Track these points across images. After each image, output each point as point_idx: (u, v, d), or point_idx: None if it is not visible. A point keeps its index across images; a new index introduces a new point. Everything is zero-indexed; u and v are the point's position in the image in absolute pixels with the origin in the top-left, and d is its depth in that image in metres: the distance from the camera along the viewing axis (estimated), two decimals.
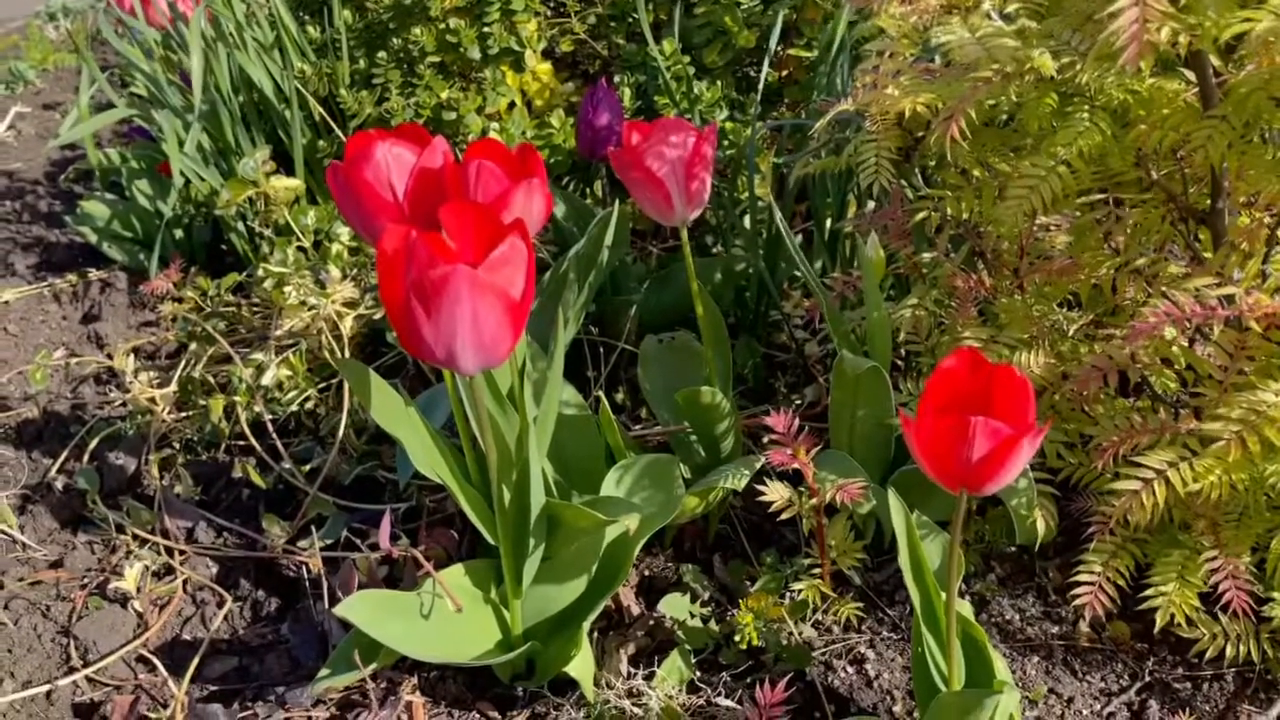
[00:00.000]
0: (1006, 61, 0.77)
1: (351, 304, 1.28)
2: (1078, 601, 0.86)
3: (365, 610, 0.84)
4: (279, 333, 1.28)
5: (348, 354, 1.24)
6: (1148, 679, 0.93)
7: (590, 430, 1.03)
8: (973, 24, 0.78)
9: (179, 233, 1.70)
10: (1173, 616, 0.86)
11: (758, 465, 1.00)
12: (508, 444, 0.92)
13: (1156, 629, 0.87)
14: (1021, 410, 0.64)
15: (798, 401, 1.26)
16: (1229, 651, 0.89)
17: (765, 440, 1.17)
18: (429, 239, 0.71)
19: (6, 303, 1.70)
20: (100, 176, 1.85)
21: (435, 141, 0.82)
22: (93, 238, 1.74)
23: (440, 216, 0.74)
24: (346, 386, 1.23)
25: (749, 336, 1.35)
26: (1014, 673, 0.95)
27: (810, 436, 0.95)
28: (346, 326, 1.25)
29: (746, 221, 1.37)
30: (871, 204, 1.29)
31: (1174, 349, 0.86)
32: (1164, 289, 0.82)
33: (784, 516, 0.95)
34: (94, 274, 1.74)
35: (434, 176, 0.82)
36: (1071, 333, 0.99)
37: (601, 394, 1.00)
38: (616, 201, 1.18)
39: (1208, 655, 0.90)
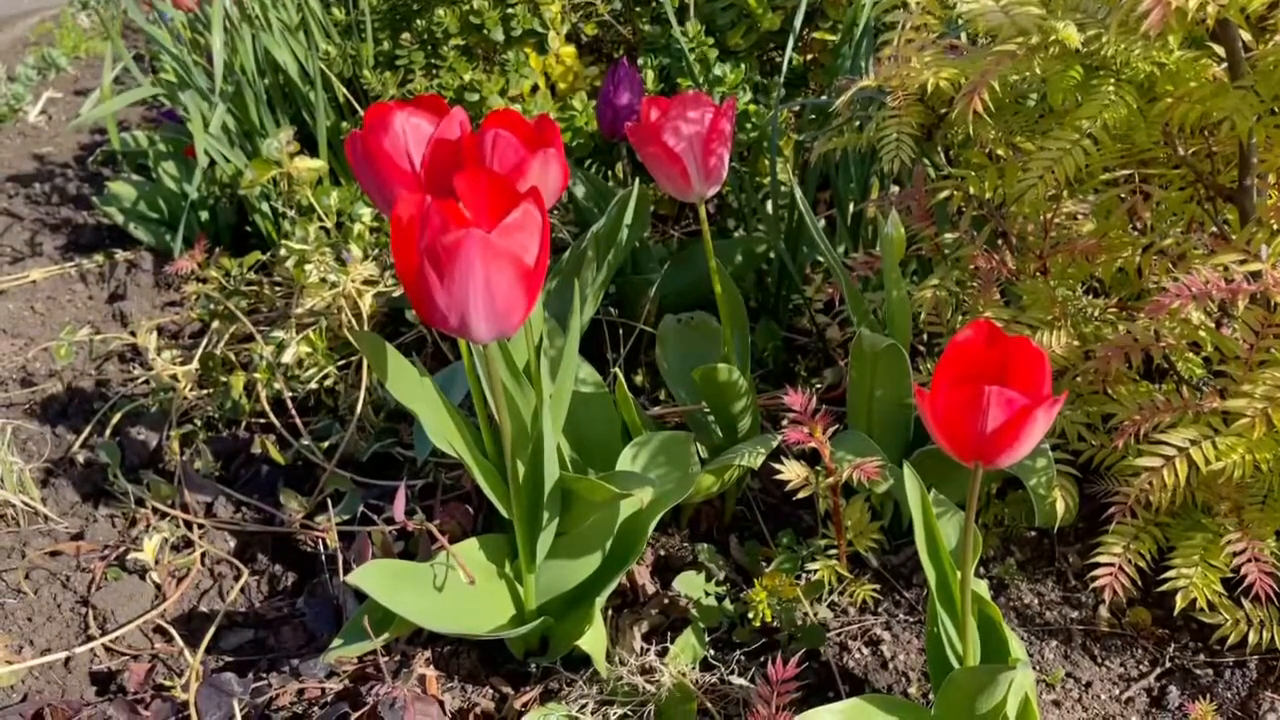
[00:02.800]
0: (1031, 30, 0.76)
1: (371, 282, 1.28)
2: (1097, 583, 0.85)
3: (378, 579, 0.84)
4: (300, 311, 1.29)
5: (367, 329, 1.25)
6: (1168, 665, 0.92)
7: (607, 408, 1.03)
8: None
9: (204, 214, 1.72)
10: (1194, 601, 0.85)
11: (774, 444, 1.00)
12: (523, 418, 0.92)
13: (1176, 611, 0.86)
14: (1037, 381, 0.63)
15: (817, 384, 1.25)
16: (1252, 638, 0.88)
17: (784, 421, 1.17)
18: (443, 205, 0.70)
19: (34, 282, 1.72)
20: (128, 159, 1.88)
21: (453, 112, 0.82)
22: (119, 219, 1.75)
23: (455, 184, 0.74)
24: (365, 364, 1.24)
25: (769, 320, 1.35)
26: (1032, 656, 0.93)
27: (827, 416, 0.94)
28: (366, 304, 1.26)
29: (769, 206, 1.37)
30: (895, 188, 1.28)
31: (1201, 332, 0.85)
32: (1191, 266, 0.81)
33: (800, 496, 0.95)
34: (120, 255, 1.76)
35: (451, 147, 0.82)
36: (1096, 316, 0.98)
37: (618, 371, 1.00)
38: (636, 181, 1.17)
39: (1230, 641, 0.89)
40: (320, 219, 1.38)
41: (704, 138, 0.93)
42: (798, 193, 1.09)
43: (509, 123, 0.83)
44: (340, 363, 1.29)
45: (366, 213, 1.41)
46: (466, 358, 0.94)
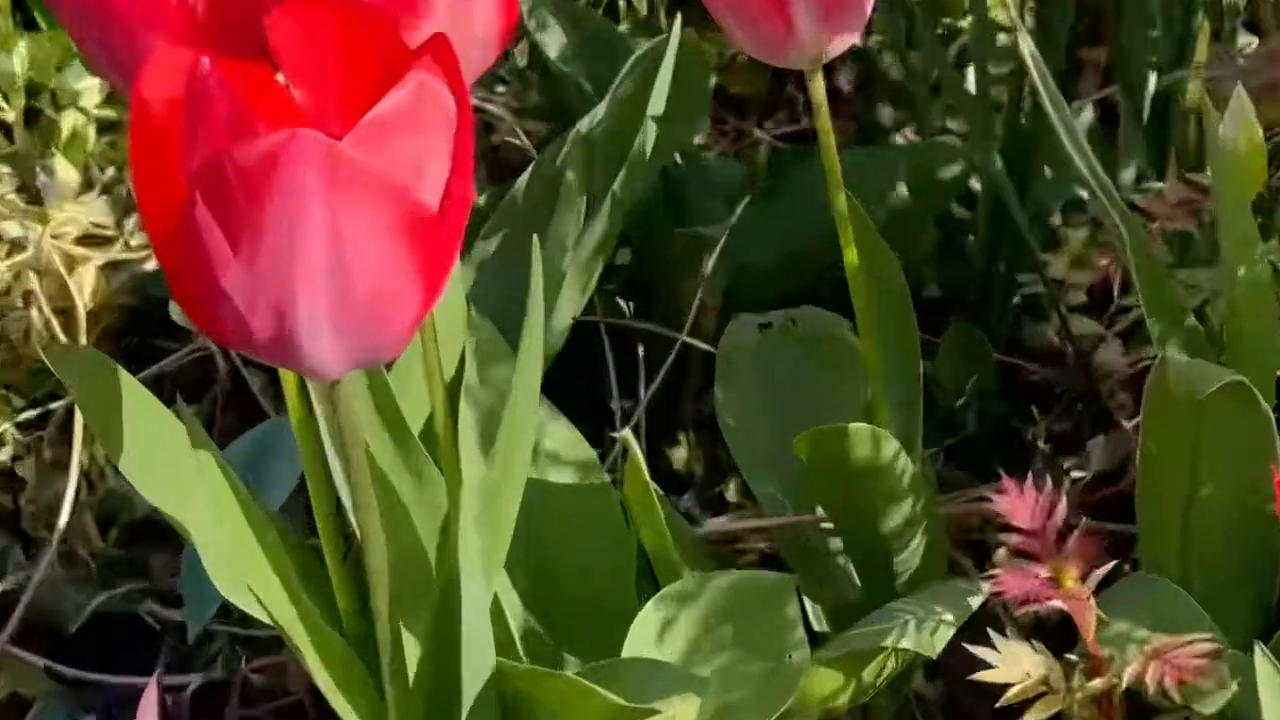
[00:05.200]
0: None
1: (99, 239, 1.30)
2: None
3: None
4: None
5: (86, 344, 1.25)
6: None
7: (605, 515, 1.04)
8: None
9: None
10: None
11: (975, 603, 0.99)
12: (418, 538, 0.92)
13: None
14: None
15: (1071, 469, 1.27)
16: None
17: (994, 549, 1.16)
18: (241, 74, 0.71)
19: None
20: None
21: None
22: None
23: (269, 28, 0.75)
24: (79, 420, 1.24)
25: (969, 326, 1.36)
26: None
27: (1094, 541, 0.94)
28: (86, 288, 1.27)
29: (970, 81, 1.38)
30: (1251, 41, 1.27)
31: None
32: None
33: None
34: None
35: None
36: None
37: (630, 436, 1.00)
38: (678, 21, 1.17)
39: None
40: None
41: None
42: (1029, 49, 1.09)
43: None
44: (25, 416, 1.31)
45: (92, 87, 1.42)
46: (296, 407, 0.94)
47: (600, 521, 1.04)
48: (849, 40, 0.97)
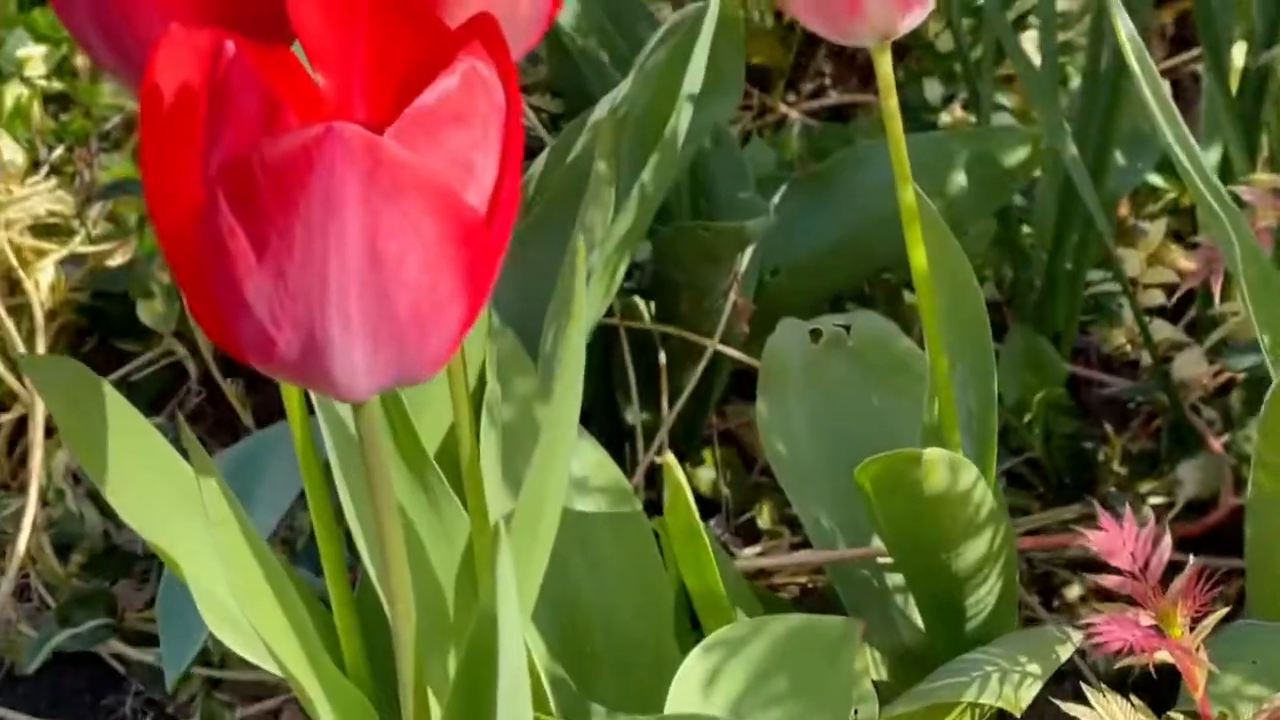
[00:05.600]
0: None
1: (55, 230, 1.30)
2: None
3: None
4: None
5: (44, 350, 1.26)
6: None
7: (639, 547, 1.05)
8: None
9: None
10: None
11: (1064, 652, 1.00)
12: (436, 578, 0.93)
13: None
14: None
15: (1149, 493, 1.28)
16: None
17: (1063, 586, 1.18)
18: (267, 61, 0.72)
19: None
20: None
21: None
22: None
23: (290, 7, 0.75)
24: (37, 433, 1.25)
25: (1031, 333, 1.37)
26: None
27: (1195, 582, 0.95)
28: (44, 287, 1.27)
29: (1035, 52, 1.38)
30: None
31: None
32: None
33: None
34: None
35: None
36: None
37: (673, 460, 1.00)
38: None
39: None
40: None
41: None
42: (1119, 11, 1.09)
43: None
44: None
45: (37, 56, 1.41)
46: (299, 427, 0.95)
47: (634, 555, 1.04)
48: (922, 15, 0.97)
